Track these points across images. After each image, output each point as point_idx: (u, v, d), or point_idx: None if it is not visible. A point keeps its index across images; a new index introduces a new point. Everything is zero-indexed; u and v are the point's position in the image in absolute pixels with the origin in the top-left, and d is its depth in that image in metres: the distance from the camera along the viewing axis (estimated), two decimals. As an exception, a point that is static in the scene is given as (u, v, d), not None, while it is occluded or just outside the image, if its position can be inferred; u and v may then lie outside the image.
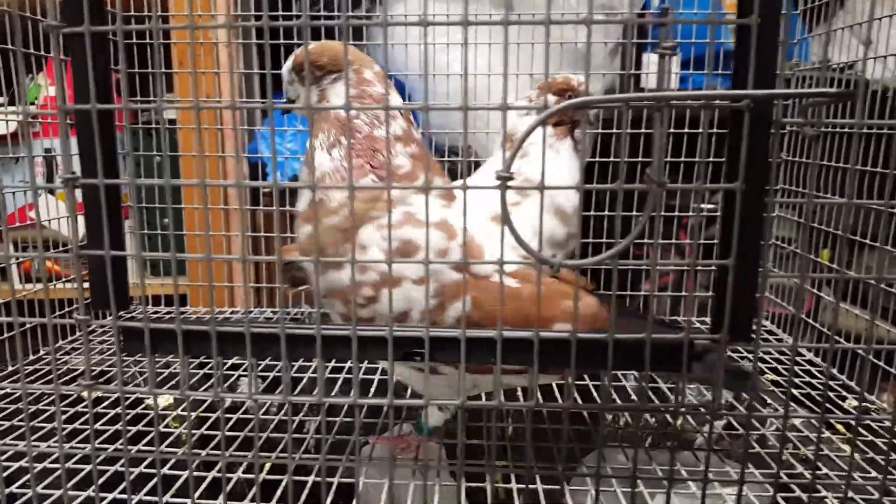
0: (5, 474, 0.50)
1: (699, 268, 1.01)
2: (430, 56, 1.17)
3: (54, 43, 0.41)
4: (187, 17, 0.41)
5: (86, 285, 0.47)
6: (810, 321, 0.95)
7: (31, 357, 0.89)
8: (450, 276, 0.54)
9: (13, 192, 1.02)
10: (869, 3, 0.88)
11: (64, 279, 1.09)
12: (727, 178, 0.40)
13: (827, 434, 0.71)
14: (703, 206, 1.06)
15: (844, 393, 0.80)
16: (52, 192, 1.16)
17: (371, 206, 0.57)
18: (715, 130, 0.95)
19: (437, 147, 1.28)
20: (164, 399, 0.80)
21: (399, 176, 0.59)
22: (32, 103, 1.24)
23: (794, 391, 0.79)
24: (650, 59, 1.17)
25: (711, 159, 0.92)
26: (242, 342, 0.43)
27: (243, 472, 0.62)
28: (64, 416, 0.72)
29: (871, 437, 0.69)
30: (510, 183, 0.39)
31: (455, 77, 1.10)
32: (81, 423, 0.71)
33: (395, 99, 0.62)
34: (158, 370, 0.86)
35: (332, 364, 0.85)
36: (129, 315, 0.46)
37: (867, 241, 0.83)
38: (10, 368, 0.83)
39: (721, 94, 0.37)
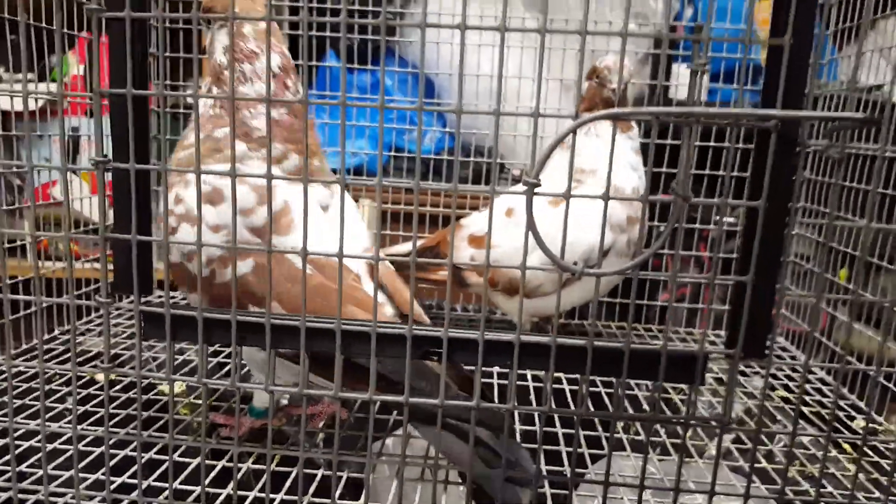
0: (17, 452, 0.51)
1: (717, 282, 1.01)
2: (457, 57, 1.17)
3: (95, 26, 0.42)
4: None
5: (110, 267, 0.48)
6: (823, 339, 0.94)
7: (45, 336, 0.91)
8: (242, 234, 0.55)
9: (38, 171, 1.03)
10: (892, 28, 0.87)
11: (83, 260, 1.10)
12: (750, 196, 0.40)
13: (834, 453, 0.71)
14: (725, 219, 1.06)
15: (853, 413, 0.79)
16: (75, 172, 1.17)
17: (209, 154, 0.59)
18: (740, 146, 0.95)
19: (464, 146, 1.29)
20: (177, 386, 0.81)
21: (253, 139, 0.60)
22: (55, 81, 1.25)
23: (804, 409, 0.79)
24: (680, 71, 1.17)
25: (735, 174, 0.92)
26: (262, 332, 0.43)
27: (253, 463, 0.62)
28: (81, 395, 0.74)
29: (876, 458, 0.69)
30: (536, 190, 0.39)
31: (485, 78, 1.11)
32: (93, 406, 0.72)
33: (273, 59, 0.62)
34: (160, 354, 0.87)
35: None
36: (149, 300, 0.46)
37: (884, 264, 0.83)
38: (24, 346, 0.84)
39: (749, 112, 0.38)
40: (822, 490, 0.56)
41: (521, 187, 0.39)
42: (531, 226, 0.39)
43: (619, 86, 0.66)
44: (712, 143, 1.00)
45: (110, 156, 0.45)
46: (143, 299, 0.46)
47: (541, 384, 0.81)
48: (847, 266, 0.97)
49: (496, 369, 0.81)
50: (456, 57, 1.20)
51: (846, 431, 0.75)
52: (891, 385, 0.78)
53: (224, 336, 0.44)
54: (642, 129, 0.92)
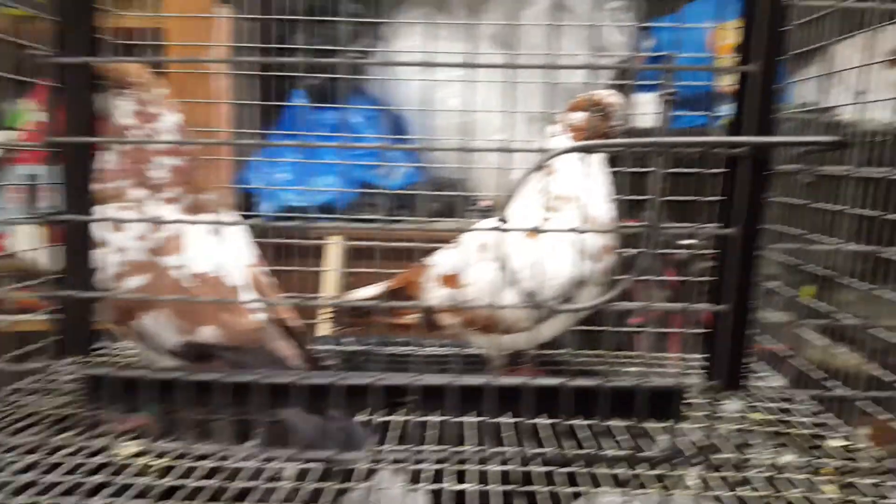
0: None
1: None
2: (431, 93, 1.17)
3: (47, 73, 0.40)
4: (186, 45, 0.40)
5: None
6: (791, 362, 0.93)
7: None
8: (139, 256, 0.66)
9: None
10: (847, 51, 0.89)
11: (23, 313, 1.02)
12: (722, 221, 0.39)
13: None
14: (686, 242, 1.06)
15: (822, 432, 0.78)
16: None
17: (116, 197, 0.67)
18: (711, 171, 0.94)
19: (433, 180, 1.28)
20: (130, 448, 0.74)
21: (150, 185, 0.69)
22: (13, 128, 1.22)
23: (780, 429, 0.78)
24: (643, 99, 1.18)
25: (708, 199, 0.92)
26: (219, 392, 0.41)
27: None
28: (19, 464, 0.65)
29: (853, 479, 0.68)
30: (505, 226, 0.38)
31: (448, 113, 1.10)
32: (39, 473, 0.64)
33: (170, 118, 0.72)
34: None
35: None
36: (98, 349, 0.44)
37: (844, 282, 0.83)
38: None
39: (722, 140, 0.37)
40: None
41: (489, 223, 0.38)
42: (504, 265, 0.38)
43: (622, 122, 0.65)
44: (681, 170, 1.01)
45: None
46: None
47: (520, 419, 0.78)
48: (812, 284, 0.97)
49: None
50: (422, 92, 1.20)
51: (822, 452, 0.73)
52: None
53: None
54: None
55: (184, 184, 0.73)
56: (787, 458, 0.73)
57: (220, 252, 0.67)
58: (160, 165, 0.70)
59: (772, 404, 0.85)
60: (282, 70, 1.08)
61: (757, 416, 0.84)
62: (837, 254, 0.85)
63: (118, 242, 0.66)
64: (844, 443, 0.74)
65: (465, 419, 0.74)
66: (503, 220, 0.35)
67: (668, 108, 0.36)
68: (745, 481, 0.67)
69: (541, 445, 0.71)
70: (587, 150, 0.37)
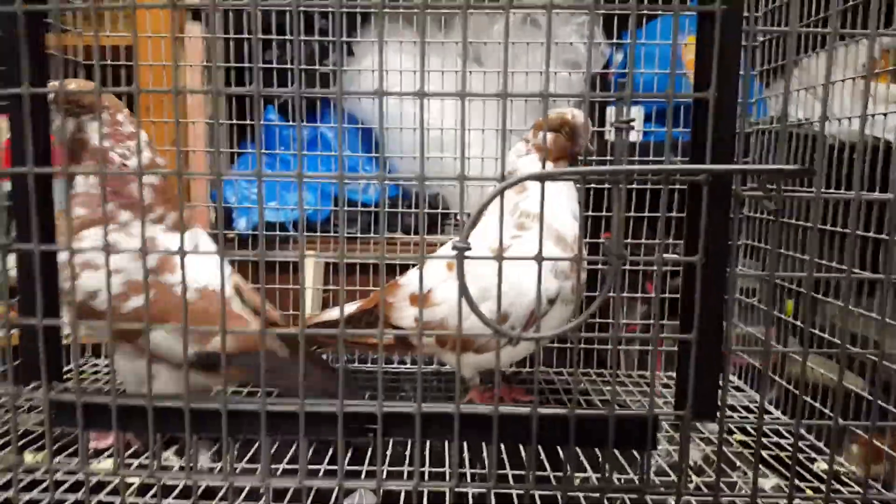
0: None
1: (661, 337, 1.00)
2: (401, 108, 1.17)
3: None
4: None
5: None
6: (776, 377, 0.94)
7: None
8: (135, 276, 0.70)
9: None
10: (821, 64, 0.90)
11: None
12: (687, 251, 0.39)
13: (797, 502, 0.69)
14: (666, 257, 1.06)
15: (813, 454, 0.78)
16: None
17: (102, 222, 0.68)
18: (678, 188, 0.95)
19: (405, 195, 1.28)
20: (107, 464, 0.75)
21: (138, 205, 0.73)
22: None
23: (763, 453, 0.78)
24: (613, 113, 1.18)
25: (675, 215, 0.92)
26: (181, 418, 0.40)
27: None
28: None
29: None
30: (467, 253, 0.37)
31: (412, 131, 1.11)
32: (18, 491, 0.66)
33: (142, 136, 0.73)
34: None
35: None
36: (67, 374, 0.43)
37: (829, 299, 0.83)
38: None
39: (679, 168, 0.37)
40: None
41: (451, 250, 0.37)
42: (464, 291, 0.37)
43: (587, 143, 0.65)
44: (649, 186, 1.02)
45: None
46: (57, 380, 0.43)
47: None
48: (793, 298, 0.97)
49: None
50: (399, 108, 1.19)
51: (807, 475, 0.74)
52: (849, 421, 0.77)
53: (141, 424, 0.41)
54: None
55: (164, 202, 0.76)
56: (772, 482, 0.73)
57: (208, 266, 0.72)
58: (141, 186, 0.70)
59: (750, 424, 0.86)
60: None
61: (737, 437, 0.84)
62: (816, 268, 0.85)
63: (116, 265, 0.67)
64: (827, 467, 0.74)
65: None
66: (463, 244, 0.35)
67: (624, 136, 0.36)
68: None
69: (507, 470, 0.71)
70: (546, 178, 0.36)
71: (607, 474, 0.39)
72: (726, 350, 0.38)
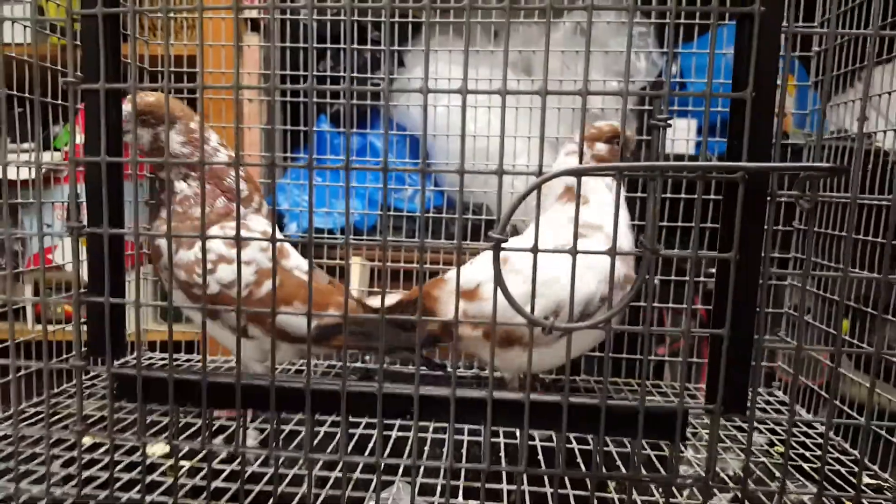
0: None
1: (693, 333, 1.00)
2: (448, 118, 1.19)
3: (72, 97, 0.43)
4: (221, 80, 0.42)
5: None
6: (824, 393, 0.92)
7: (35, 400, 0.89)
8: (265, 264, 0.77)
9: (33, 237, 1.05)
10: (880, 78, 0.88)
11: (68, 323, 1.09)
12: (722, 248, 0.40)
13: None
14: (710, 270, 1.05)
15: (854, 468, 0.77)
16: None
17: (221, 219, 0.78)
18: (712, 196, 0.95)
19: (450, 204, 1.30)
20: (161, 448, 0.79)
21: (242, 198, 0.80)
22: (59, 149, 1.27)
23: (805, 465, 0.77)
24: (674, 126, 1.18)
25: (711, 225, 0.92)
26: (233, 394, 0.43)
27: None
28: (59, 461, 0.72)
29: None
30: (504, 245, 0.39)
31: (476, 138, 1.13)
32: (77, 468, 0.70)
33: (214, 137, 0.81)
34: (160, 418, 0.85)
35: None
36: (126, 361, 0.46)
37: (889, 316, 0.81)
38: (10, 411, 0.82)
39: (716, 165, 0.38)
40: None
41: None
42: (499, 282, 0.39)
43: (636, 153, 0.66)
44: (683, 195, 1.01)
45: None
46: (117, 362, 0.46)
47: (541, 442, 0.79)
48: (850, 318, 0.95)
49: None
50: (446, 118, 1.22)
51: (849, 488, 0.72)
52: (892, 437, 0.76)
53: (196, 399, 0.44)
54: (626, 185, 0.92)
55: (256, 190, 0.83)
56: (800, 492, 0.72)
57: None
58: (231, 178, 0.80)
59: (795, 439, 0.85)
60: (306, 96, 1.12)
61: (779, 448, 0.83)
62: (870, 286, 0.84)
63: (246, 256, 0.76)
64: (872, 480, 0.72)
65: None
66: (499, 236, 0.36)
67: (661, 134, 0.37)
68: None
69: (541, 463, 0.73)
70: (581, 173, 0.38)
71: (636, 465, 0.40)
72: (758, 342, 0.39)
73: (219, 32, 1.16)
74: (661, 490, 0.67)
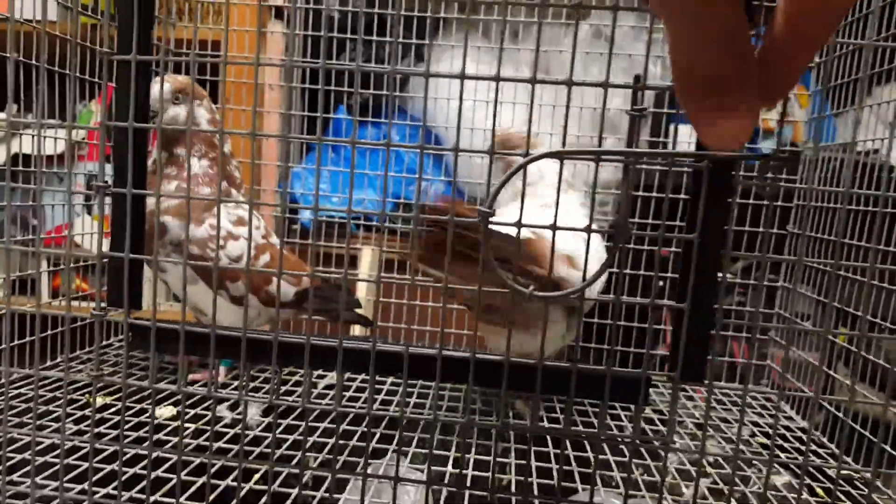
0: (9, 463, 0.54)
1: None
2: (474, 112, 1.23)
3: (107, 68, 0.47)
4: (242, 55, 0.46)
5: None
6: (822, 402, 0.94)
7: (49, 363, 0.94)
8: (260, 241, 0.94)
9: (52, 209, 1.10)
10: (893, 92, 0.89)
11: (83, 294, 1.15)
12: (688, 230, 0.43)
13: (805, 496, 0.71)
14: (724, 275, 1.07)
15: (852, 475, 0.79)
16: (88, 211, 1.23)
17: (224, 196, 0.84)
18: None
19: (459, 193, 1.34)
20: (168, 410, 0.84)
21: (236, 182, 0.95)
22: (82, 127, 1.33)
23: (783, 455, 0.80)
24: (681, 130, 1.20)
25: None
26: (238, 346, 0.47)
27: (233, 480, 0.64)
28: (74, 416, 0.77)
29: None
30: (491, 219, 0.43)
31: (480, 132, 1.17)
32: (91, 411, 0.74)
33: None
34: (168, 385, 0.90)
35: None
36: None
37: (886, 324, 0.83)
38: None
39: (683, 153, 0.41)
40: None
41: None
42: (487, 253, 0.43)
43: None
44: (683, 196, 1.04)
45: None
46: (133, 314, 0.50)
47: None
48: (848, 326, 0.97)
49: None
50: (471, 112, 1.26)
51: (822, 478, 0.76)
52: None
53: (205, 350, 0.48)
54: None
55: (247, 178, 0.99)
56: (784, 479, 0.75)
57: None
58: (235, 167, 0.95)
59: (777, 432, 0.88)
60: (328, 84, 1.16)
61: (759, 440, 0.86)
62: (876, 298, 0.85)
63: (247, 233, 0.87)
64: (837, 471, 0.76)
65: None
66: (487, 210, 0.40)
67: (637, 123, 0.41)
68: (742, 498, 0.70)
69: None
70: (563, 156, 0.41)
71: (602, 424, 0.44)
72: (718, 316, 0.42)
73: (243, 18, 1.21)
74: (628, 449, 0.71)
